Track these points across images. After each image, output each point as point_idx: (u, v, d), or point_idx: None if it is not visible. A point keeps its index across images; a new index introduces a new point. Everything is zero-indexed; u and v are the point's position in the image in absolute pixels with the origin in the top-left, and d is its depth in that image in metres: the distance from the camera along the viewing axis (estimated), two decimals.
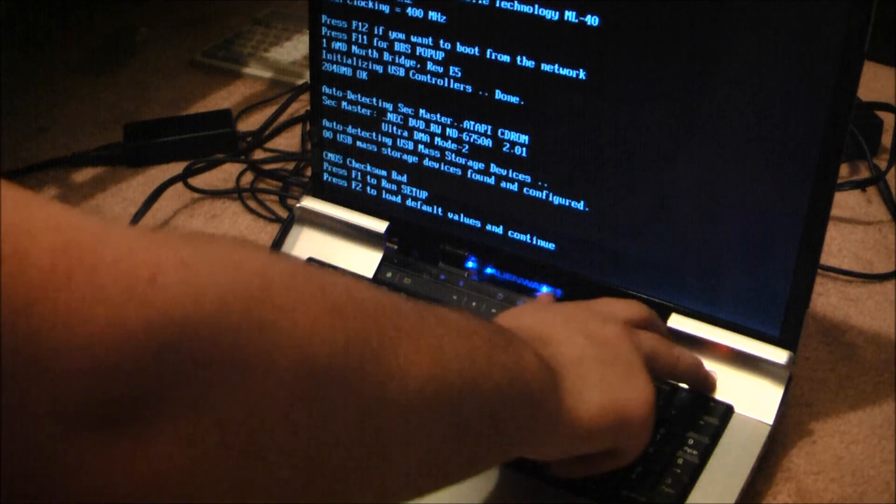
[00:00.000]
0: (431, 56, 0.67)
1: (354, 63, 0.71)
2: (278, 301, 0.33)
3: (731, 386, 0.61)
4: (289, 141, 0.97)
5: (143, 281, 0.29)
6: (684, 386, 0.61)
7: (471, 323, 0.44)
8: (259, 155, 0.95)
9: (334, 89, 0.73)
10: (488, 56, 0.65)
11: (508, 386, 0.44)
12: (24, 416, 0.27)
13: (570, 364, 0.49)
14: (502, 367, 0.43)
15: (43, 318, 0.27)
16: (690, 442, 0.57)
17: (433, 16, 0.66)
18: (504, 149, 0.67)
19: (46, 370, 0.27)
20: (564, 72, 0.63)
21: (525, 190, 0.67)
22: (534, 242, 0.68)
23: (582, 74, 0.62)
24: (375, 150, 0.73)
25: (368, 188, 0.74)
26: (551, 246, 0.68)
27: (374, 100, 0.71)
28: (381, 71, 0.70)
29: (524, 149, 0.66)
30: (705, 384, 0.61)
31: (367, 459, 0.37)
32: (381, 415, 0.37)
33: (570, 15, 0.61)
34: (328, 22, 0.71)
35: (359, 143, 0.73)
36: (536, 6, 0.62)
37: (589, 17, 0.61)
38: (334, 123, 0.74)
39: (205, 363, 0.30)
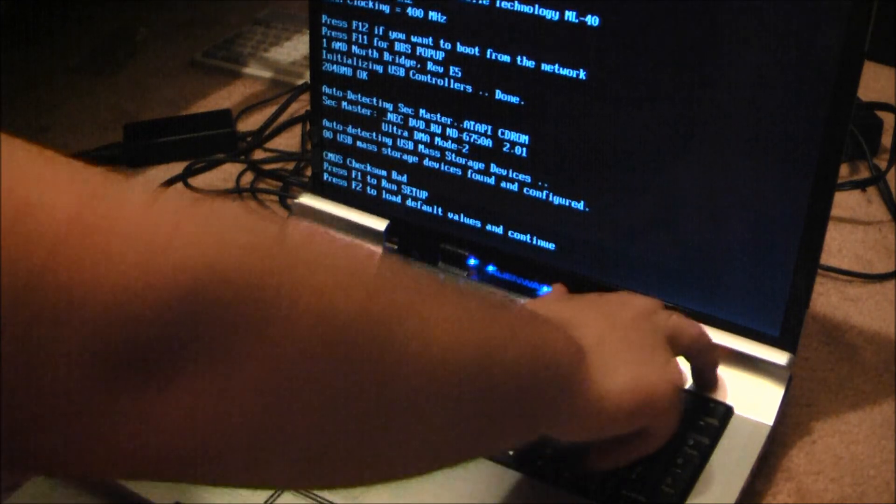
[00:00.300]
0: (431, 56, 0.67)
1: (354, 63, 0.71)
2: (299, 256, 0.34)
3: (731, 386, 0.61)
4: (289, 141, 0.97)
5: (166, 230, 0.29)
6: (685, 387, 0.61)
7: (494, 296, 0.44)
8: (259, 155, 0.95)
9: (334, 89, 0.73)
10: (488, 56, 0.65)
11: (533, 358, 0.43)
12: (54, 363, 0.27)
13: (595, 345, 0.49)
14: (526, 340, 0.43)
15: (70, 267, 0.27)
16: (690, 442, 0.57)
17: (433, 16, 0.66)
18: (504, 149, 0.67)
19: (75, 318, 0.27)
20: (564, 72, 0.63)
21: (525, 190, 0.67)
22: (534, 242, 0.68)
23: (582, 74, 0.62)
24: (375, 150, 0.73)
25: (368, 188, 0.74)
26: (551, 246, 0.68)
27: (374, 100, 0.71)
28: (381, 71, 0.70)
29: (524, 149, 0.66)
30: (715, 373, 0.61)
31: (389, 419, 0.37)
32: (402, 374, 0.37)
33: (570, 15, 0.61)
34: (328, 22, 0.71)
35: (359, 143, 0.73)
36: (536, 6, 0.62)
37: (589, 17, 0.61)
38: (334, 123, 0.74)
39: (229, 311, 0.30)
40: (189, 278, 0.29)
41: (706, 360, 0.60)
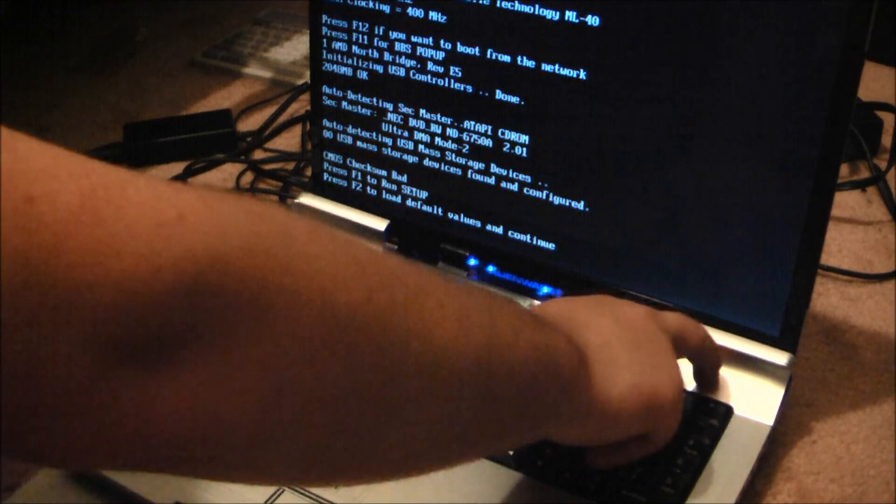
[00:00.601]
0: (432, 56, 0.67)
1: (354, 63, 0.71)
2: (302, 249, 0.34)
3: (731, 386, 0.61)
4: (289, 141, 0.97)
5: (170, 219, 0.29)
6: (686, 388, 0.61)
7: (497, 297, 0.44)
8: (259, 155, 0.95)
9: (334, 89, 0.73)
10: (488, 56, 0.65)
11: (536, 361, 0.43)
12: (57, 354, 0.28)
13: (599, 347, 0.49)
14: (529, 342, 0.43)
15: (75, 255, 0.27)
16: (690, 442, 0.57)
17: (433, 16, 0.66)
18: (504, 149, 0.67)
19: (80, 306, 0.27)
20: (564, 72, 0.63)
21: (525, 190, 0.67)
22: (534, 242, 0.68)
23: (582, 74, 0.62)
24: (375, 150, 0.73)
25: (368, 188, 0.74)
26: (551, 246, 0.68)
27: (374, 100, 0.71)
28: (381, 71, 0.70)
29: (524, 149, 0.66)
30: (717, 374, 0.61)
31: (391, 411, 0.37)
32: (404, 368, 0.37)
33: (570, 15, 0.61)
34: (328, 22, 0.71)
35: (359, 143, 0.73)
36: (536, 6, 0.62)
37: (589, 17, 0.61)
38: (334, 123, 0.74)
39: (230, 302, 0.30)
40: (192, 268, 0.29)
41: (709, 362, 0.60)
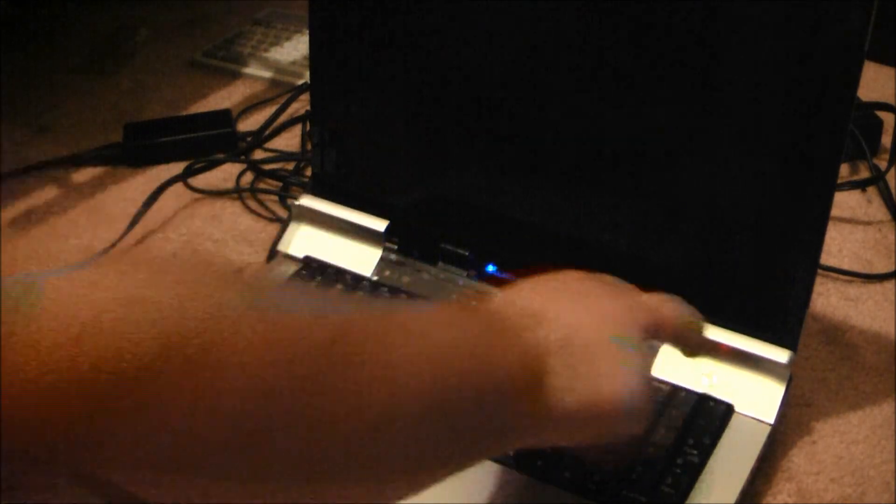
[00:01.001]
0: (431, 56, 0.67)
1: (354, 63, 0.71)
2: (231, 330, 0.35)
3: (731, 385, 0.61)
4: (289, 141, 0.97)
5: (86, 324, 0.32)
6: (686, 386, 0.61)
7: (451, 317, 0.46)
8: (259, 155, 0.95)
9: (334, 89, 0.73)
10: (489, 56, 0.65)
11: (493, 389, 0.45)
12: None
13: (560, 347, 0.47)
14: (480, 371, 0.45)
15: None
16: (690, 442, 0.57)
17: (434, 15, 0.66)
18: (505, 149, 0.67)
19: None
20: (565, 71, 0.63)
21: (525, 190, 0.67)
22: (534, 242, 0.68)
23: (582, 74, 0.62)
24: (375, 150, 0.73)
25: (368, 188, 0.74)
26: (552, 246, 0.68)
27: (375, 100, 0.71)
28: (381, 70, 0.70)
29: (524, 149, 0.66)
30: (708, 346, 0.59)
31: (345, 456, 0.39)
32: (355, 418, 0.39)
33: (570, 14, 0.61)
34: (328, 22, 0.71)
35: (359, 144, 0.73)
36: (537, 5, 0.62)
37: (590, 16, 0.61)
38: (334, 123, 0.74)
39: (150, 396, 0.33)
40: (106, 370, 0.32)
41: (692, 343, 0.56)
